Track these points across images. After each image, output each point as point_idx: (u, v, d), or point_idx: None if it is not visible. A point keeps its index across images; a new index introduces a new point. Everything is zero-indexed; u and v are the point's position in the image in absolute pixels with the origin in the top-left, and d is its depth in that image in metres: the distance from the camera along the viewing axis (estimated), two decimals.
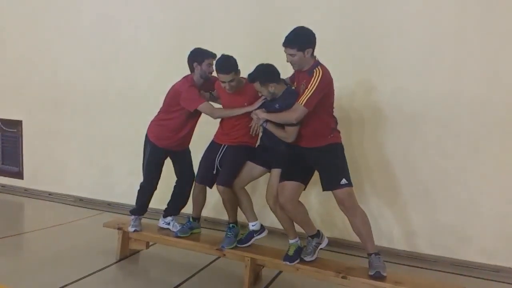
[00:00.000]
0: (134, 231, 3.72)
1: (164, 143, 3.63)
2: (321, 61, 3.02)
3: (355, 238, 4.16)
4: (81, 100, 5.75)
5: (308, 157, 3.05)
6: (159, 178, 3.76)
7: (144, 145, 3.74)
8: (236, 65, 3.24)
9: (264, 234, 3.43)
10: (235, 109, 3.34)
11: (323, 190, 3.03)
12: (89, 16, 5.66)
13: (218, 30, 4.86)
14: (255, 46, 4.45)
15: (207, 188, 3.60)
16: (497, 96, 3.76)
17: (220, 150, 3.48)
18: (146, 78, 5.11)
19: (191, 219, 3.67)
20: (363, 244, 3.01)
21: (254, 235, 3.40)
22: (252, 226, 3.41)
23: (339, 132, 3.12)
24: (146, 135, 3.71)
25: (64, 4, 5.81)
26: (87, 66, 5.67)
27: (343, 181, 2.91)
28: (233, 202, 3.44)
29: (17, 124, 6.21)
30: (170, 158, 3.78)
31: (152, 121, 3.71)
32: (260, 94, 3.24)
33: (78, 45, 5.73)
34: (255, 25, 4.66)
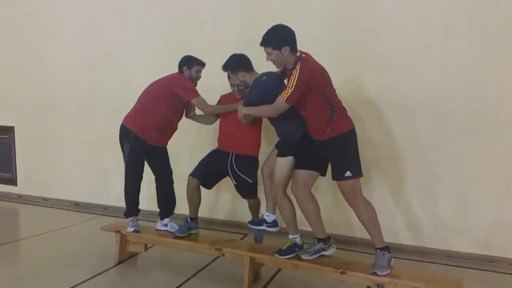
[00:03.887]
0: (134, 231, 3.71)
1: (147, 135, 3.60)
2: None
3: (355, 234, 4.30)
4: (73, 104, 5.73)
5: (317, 147, 3.05)
6: (142, 175, 3.71)
7: (121, 140, 3.67)
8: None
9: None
10: (226, 105, 3.58)
11: (332, 179, 3.04)
12: (78, 19, 5.63)
13: (209, 30, 4.87)
14: (244, 46, 4.43)
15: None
16: (487, 90, 3.82)
17: (230, 159, 3.62)
18: (138, 80, 5.06)
19: (189, 219, 3.68)
20: (370, 238, 3.00)
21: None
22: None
23: (343, 120, 3.00)
24: (125, 128, 3.64)
25: (52, 7, 5.77)
26: (78, 69, 5.65)
27: (347, 173, 2.90)
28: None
29: (9, 130, 6.17)
30: (148, 156, 3.71)
31: (132, 114, 3.68)
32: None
33: (68, 48, 5.71)
34: (244, 24, 4.66)
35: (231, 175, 3.64)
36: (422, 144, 4.06)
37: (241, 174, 3.58)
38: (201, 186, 3.69)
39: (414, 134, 4.08)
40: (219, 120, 3.88)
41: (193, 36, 4.91)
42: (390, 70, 4.11)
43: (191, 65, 3.67)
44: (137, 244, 3.81)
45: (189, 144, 4.89)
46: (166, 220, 3.81)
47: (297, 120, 3.11)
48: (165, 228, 3.79)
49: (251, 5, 4.68)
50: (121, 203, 5.06)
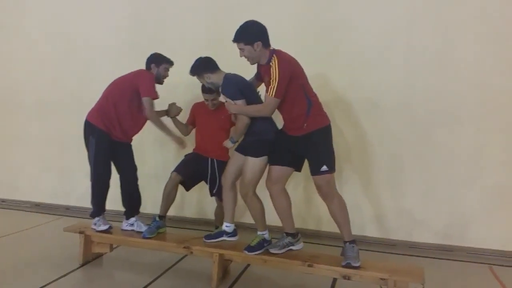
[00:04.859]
0: (109, 227, 3.64)
1: (111, 130, 3.55)
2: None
3: (322, 228, 4.37)
4: (33, 103, 5.53)
5: (293, 143, 3.07)
6: (110, 170, 3.63)
7: (86, 136, 3.59)
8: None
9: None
10: (165, 127, 3.67)
11: (310, 174, 3.05)
12: (38, 15, 5.43)
13: (174, 26, 4.81)
14: (211, 42, 4.44)
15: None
16: (448, 87, 3.97)
17: (209, 163, 3.76)
18: (101, 76, 4.91)
19: (157, 218, 3.64)
20: (340, 231, 3.04)
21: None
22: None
23: (320, 115, 3.04)
24: (89, 124, 3.56)
25: (11, 3, 5.54)
26: (38, 67, 5.46)
27: (324, 167, 2.93)
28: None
29: None
30: (113, 152, 3.63)
31: (96, 109, 3.61)
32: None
33: (28, 45, 5.51)
34: (211, 19, 4.64)
35: (209, 179, 3.77)
36: (388, 138, 4.18)
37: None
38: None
39: (381, 129, 4.19)
40: None
41: (157, 32, 4.84)
42: (355, 67, 4.20)
43: (159, 63, 3.66)
44: (102, 244, 3.73)
45: (154, 142, 4.81)
46: (132, 219, 3.74)
47: (261, 121, 3.14)
48: (131, 228, 3.72)
49: (217, 2, 4.66)
50: (85, 203, 4.95)
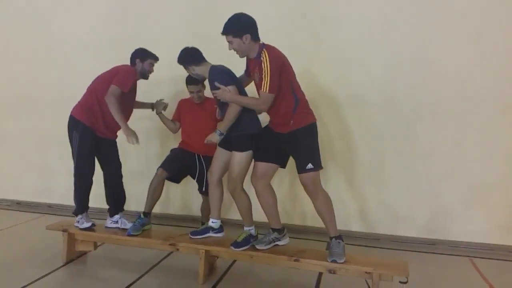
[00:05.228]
0: (92, 225, 3.59)
1: (96, 126, 3.51)
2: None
3: (307, 223, 4.40)
4: (12, 100, 5.40)
5: (279, 140, 3.07)
6: (94, 167, 3.58)
7: (70, 132, 3.54)
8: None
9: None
10: (122, 119, 3.46)
11: (297, 172, 3.06)
12: (16, 9, 5.29)
13: (156, 21, 4.76)
14: (193, 36, 4.39)
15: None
16: (429, 83, 4.05)
17: (196, 159, 3.83)
18: (81, 72, 4.84)
19: (142, 215, 3.61)
20: (325, 227, 3.06)
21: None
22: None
23: (306, 113, 3.04)
24: (73, 119, 3.52)
25: None
26: (17, 63, 5.34)
27: (309, 165, 2.94)
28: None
29: None
30: (97, 148, 3.57)
31: (80, 104, 3.57)
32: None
33: (5, 40, 5.37)
34: (194, 13, 4.62)
35: (197, 174, 3.84)
36: (371, 134, 4.24)
37: None
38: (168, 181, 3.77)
39: (364, 125, 4.24)
40: None
41: (140, 28, 4.78)
42: (339, 64, 4.24)
43: (144, 58, 3.63)
44: (86, 242, 3.67)
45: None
46: (116, 216, 3.69)
47: (249, 113, 3.13)
48: (115, 225, 3.68)
49: None
50: (67, 201, 4.92)
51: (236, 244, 3.14)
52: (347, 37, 4.19)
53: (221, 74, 3.10)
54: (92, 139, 3.51)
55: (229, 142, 3.23)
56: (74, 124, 3.52)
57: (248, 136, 3.15)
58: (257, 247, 3.13)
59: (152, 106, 3.95)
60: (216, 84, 3.05)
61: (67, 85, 5.02)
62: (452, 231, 4.10)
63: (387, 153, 4.22)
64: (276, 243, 3.18)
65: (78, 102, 3.60)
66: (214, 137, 3.12)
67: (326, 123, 4.25)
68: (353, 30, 4.18)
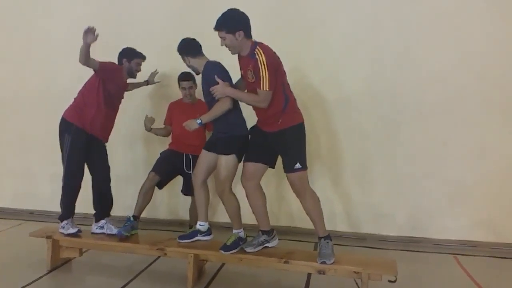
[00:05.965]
0: (78, 231, 3.52)
1: (88, 127, 3.47)
2: None
3: (295, 223, 4.41)
4: None
5: (267, 139, 3.07)
6: (84, 170, 3.53)
7: (61, 135, 3.49)
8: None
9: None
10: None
11: (284, 171, 3.06)
12: None
13: (140, 22, 4.71)
14: (181, 35, 4.36)
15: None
16: (411, 85, 4.11)
17: (185, 159, 3.92)
18: (64, 74, 4.79)
19: (131, 218, 3.58)
20: (314, 227, 3.07)
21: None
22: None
23: (295, 112, 3.05)
24: (65, 121, 3.49)
25: None
26: None
27: (297, 165, 2.95)
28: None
29: None
30: (88, 150, 3.53)
31: (72, 106, 3.55)
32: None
33: None
34: (179, 14, 4.59)
35: (185, 174, 3.90)
36: (356, 134, 4.28)
37: None
38: None
39: (349, 124, 4.29)
40: None
41: (125, 28, 4.71)
42: (325, 65, 4.27)
43: (131, 57, 3.64)
44: (71, 249, 3.60)
45: (123, 142, 4.69)
46: (102, 222, 3.63)
47: (237, 114, 3.12)
48: (101, 231, 3.61)
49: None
50: (50, 206, 4.83)
51: (226, 248, 3.12)
52: (333, 39, 4.23)
53: (220, 70, 3.08)
54: (84, 141, 3.47)
55: (214, 145, 3.21)
56: (66, 127, 3.48)
57: (235, 138, 3.13)
58: (247, 249, 3.12)
59: (146, 82, 4.21)
60: (216, 78, 3.00)
61: (50, 88, 4.93)
62: (437, 229, 4.17)
63: (373, 153, 4.27)
64: (266, 245, 3.18)
65: (70, 104, 3.57)
66: (193, 124, 3.08)
67: (313, 123, 4.28)
68: (339, 31, 4.22)
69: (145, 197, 3.64)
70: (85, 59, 3.27)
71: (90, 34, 3.18)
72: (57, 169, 4.32)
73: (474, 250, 4.02)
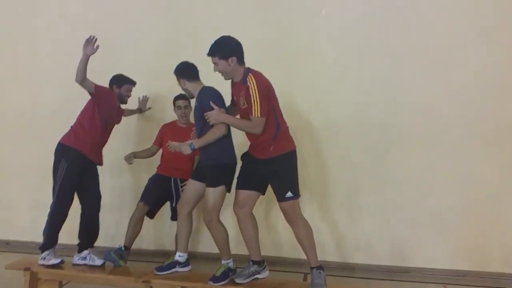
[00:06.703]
0: (61, 261, 3.37)
1: (87, 148, 3.43)
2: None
3: (282, 254, 4.33)
4: None
5: (258, 166, 3.04)
6: (72, 201, 3.43)
7: (57, 161, 3.42)
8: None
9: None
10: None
11: (277, 200, 3.03)
12: None
13: (125, 44, 4.68)
14: (164, 61, 4.36)
15: None
16: (399, 112, 4.17)
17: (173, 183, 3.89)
18: (52, 99, 4.71)
19: (122, 247, 3.51)
20: (306, 256, 3.02)
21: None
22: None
23: (287, 140, 3.06)
24: (63, 146, 3.43)
25: None
26: None
27: (289, 194, 2.93)
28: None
29: None
30: (82, 176, 3.46)
31: (70, 132, 3.53)
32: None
33: None
34: (167, 39, 4.58)
35: (175, 198, 3.82)
36: (344, 161, 4.28)
37: None
38: None
39: (337, 153, 4.29)
40: None
41: (110, 50, 4.60)
42: (313, 92, 4.30)
43: (121, 83, 3.72)
44: (51, 281, 3.41)
45: (110, 168, 4.55)
46: (85, 252, 3.48)
47: (227, 141, 3.09)
48: (83, 262, 3.46)
49: (173, 21, 4.60)
50: (29, 237, 4.62)
51: (215, 279, 3.02)
52: (321, 67, 4.28)
53: (215, 96, 3.07)
54: (81, 165, 3.41)
55: (202, 173, 3.15)
56: (63, 152, 3.42)
57: (222, 167, 3.08)
58: (237, 280, 3.03)
59: (139, 109, 4.33)
60: (211, 104, 2.98)
61: (34, 112, 4.81)
62: (425, 259, 4.14)
63: (360, 180, 4.26)
64: (256, 276, 3.09)
65: (67, 131, 3.54)
66: (186, 149, 3.05)
67: (301, 150, 4.25)
68: (327, 60, 4.28)
69: (135, 227, 3.58)
70: (82, 76, 3.25)
71: (90, 45, 3.15)
72: (37, 198, 4.21)
73: (463, 279, 4.00)
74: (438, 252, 4.12)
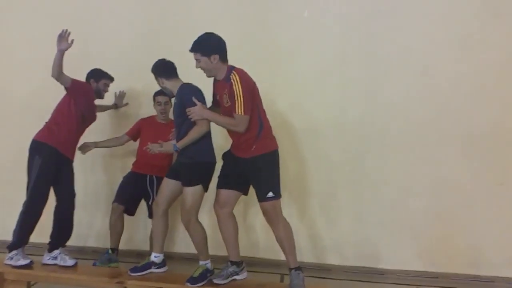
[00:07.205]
0: (31, 262, 3.24)
1: (62, 144, 3.34)
2: None
3: (259, 254, 4.30)
4: None
5: (240, 165, 3.00)
6: (47, 200, 3.31)
7: (31, 158, 3.30)
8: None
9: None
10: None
11: (257, 200, 3.00)
12: None
13: (103, 39, 4.54)
14: (143, 57, 4.24)
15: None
16: (377, 113, 4.21)
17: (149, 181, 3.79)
18: (24, 94, 4.52)
19: (110, 251, 3.45)
20: (285, 257, 3.01)
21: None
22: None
23: (269, 139, 3.04)
24: (37, 143, 3.33)
25: None
26: None
27: (270, 194, 2.92)
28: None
29: None
30: (57, 172, 3.36)
31: (45, 128, 3.43)
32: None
33: None
34: (145, 33, 4.48)
35: (151, 196, 3.73)
36: (323, 163, 4.29)
37: None
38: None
39: (316, 153, 4.29)
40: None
41: (86, 42, 4.44)
42: (292, 93, 4.29)
43: (98, 78, 3.69)
44: (18, 282, 3.28)
45: (83, 165, 4.40)
46: (56, 252, 3.36)
47: (204, 140, 3.03)
48: (53, 262, 3.35)
49: (157, 20, 4.49)
50: None
51: (192, 280, 2.96)
52: (301, 68, 4.27)
53: (196, 92, 3.01)
54: (55, 162, 3.31)
55: (178, 173, 3.08)
56: (37, 148, 3.31)
57: (200, 165, 3.02)
58: (215, 281, 2.99)
59: (115, 105, 4.21)
60: (194, 99, 2.93)
61: (2, 105, 4.61)
62: (400, 260, 4.19)
63: (338, 182, 4.28)
64: (234, 277, 3.05)
65: (41, 128, 3.44)
66: (169, 148, 3.01)
67: (280, 150, 4.26)
68: (307, 61, 4.27)
69: (114, 228, 3.53)
70: (58, 71, 3.16)
71: (63, 40, 3.05)
72: (4, 195, 4.04)
73: (435, 281, 4.06)
74: (411, 254, 4.19)
